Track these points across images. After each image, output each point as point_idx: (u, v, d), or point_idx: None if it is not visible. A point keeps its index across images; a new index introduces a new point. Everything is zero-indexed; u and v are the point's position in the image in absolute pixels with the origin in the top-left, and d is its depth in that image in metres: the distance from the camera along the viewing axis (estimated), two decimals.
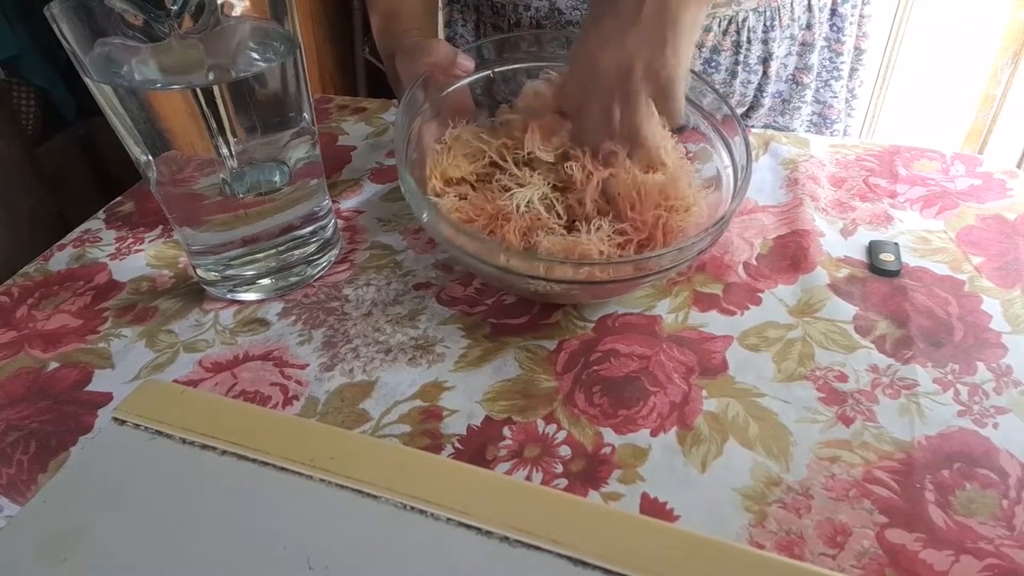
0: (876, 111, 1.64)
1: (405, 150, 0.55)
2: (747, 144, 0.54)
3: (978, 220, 0.64)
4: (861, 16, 0.78)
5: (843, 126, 0.84)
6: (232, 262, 0.58)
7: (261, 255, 0.59)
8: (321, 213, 0.61)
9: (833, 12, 0.76)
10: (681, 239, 0.53)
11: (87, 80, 0.49)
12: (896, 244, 0.61)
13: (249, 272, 0.59)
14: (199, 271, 0.60)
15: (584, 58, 0.50)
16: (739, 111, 0.79)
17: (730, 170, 0.57)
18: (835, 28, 0.76)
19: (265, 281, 0.59)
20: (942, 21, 1.50)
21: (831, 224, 0.64)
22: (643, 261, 0.49)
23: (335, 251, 0.64)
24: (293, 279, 0.60)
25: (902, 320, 0.54)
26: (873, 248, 0.61)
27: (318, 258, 0.62)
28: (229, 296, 0.60)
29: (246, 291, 0.59)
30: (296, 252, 0.60)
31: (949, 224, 0.63)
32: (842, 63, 0.78)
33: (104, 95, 0.49)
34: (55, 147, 1.58)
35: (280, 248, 0.59)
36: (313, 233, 0.60)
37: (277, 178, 0.56)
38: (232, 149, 0.52)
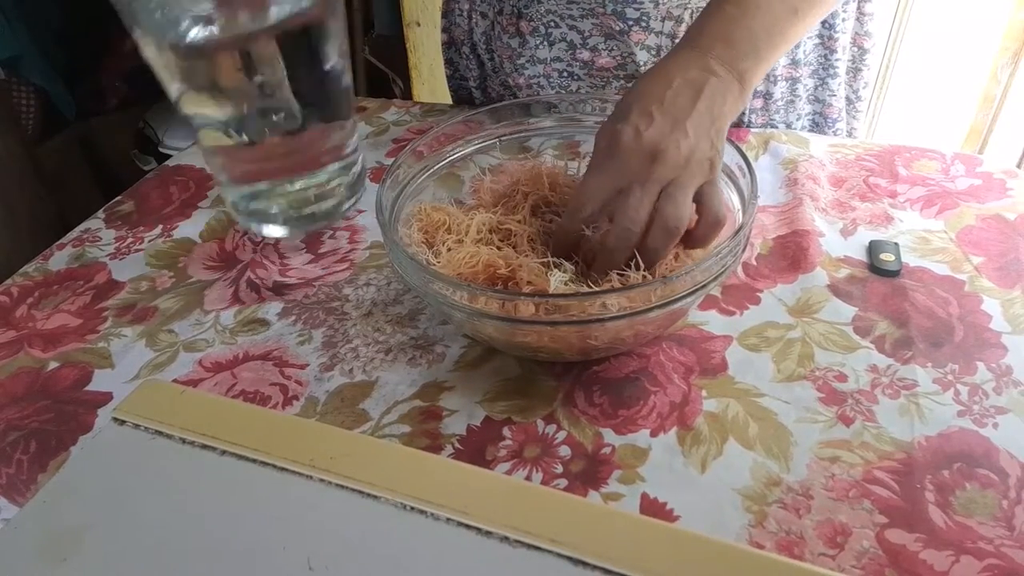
0: (876, 111, 1.64)
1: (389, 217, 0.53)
2: (745, 159, 0.53)
3: (978, 220, 0.63)
4: (861, 13, 0.77)
5: (846, 126, 0.83)
6: (256, 197, 0.58)
7: (287, 189, 0.58)
8: (348, 151, 0.60)
9: None
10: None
11: (127, 19, 0.48)
12: (896, 244, 0.61)
13: (274, 209, 0.58)
14: (229, 200, 0.60)
15: (640, 142, 0.47)
16: None
17: (726, 178, 0.56)
18: (826, 24, 0.75)
19: (288, 215, 0.59)
20: (942, 21, 1.50)
21: (831, 224, 0.64)
22: (660, 287, 0.45)
23: (360, 191, 0.63)
24: (319, 218, 0.60)
25: (902, 320, 0.54)
26: (873, 248, 0.61)
27: (343, 198, 0.61)
28: (255, 228, 0.59)
29: (270, 226, 0.59)
30: (324, 187, 0.59)
31: (949, 224, 0.63)
32: (837, 60, 0.77)
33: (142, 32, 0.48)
34: (55, 147, 1.58)
35: (305, 184, 0.58)
36: (339, 171, 0.60)
37: (300, 116, 0.55)
38: (263, 84, 0.51)
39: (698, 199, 0.49)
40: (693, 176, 0.48)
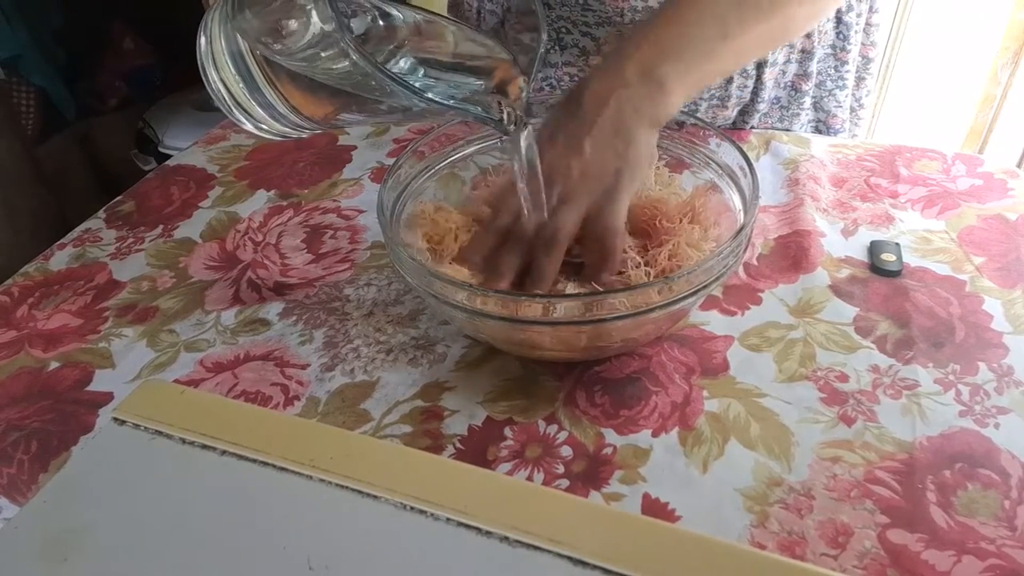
0: (876, 111, 1.64)
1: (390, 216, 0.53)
2: (746, 158, 0.53)
3: (979, 220, 0.63)
4: (868, 24, 0.77)
5: (848, 135, 0.83)
6: None
7: None
8: None
9: (839, 20, 0.75)
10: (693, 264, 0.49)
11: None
12: (897, 244, 0.61)
13: None
14: None
15: (542, 163, 0.50)
16: (734, 111, 0.79)
17: (727, 178, 0.56)
18: (841, 36, 0.75)
19: None
20: (942, 21, 1.50)
21: (832, 224, 0.64)
22: (664, 284, 0.45)
23: None
24: None
25: (903, 320, 0.54)
26: (874, 248, 0.61)
27: None
28: None
29: None
30: None
31: (950, 224, 0.63)
32: (847, 72, 0.77)
33: None
34: (55, 147, 1.58)
35: None
36: None
37: None
38: None
39: (589, 213, 0.51)
40: (587, 190, 0.50)
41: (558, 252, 0.50)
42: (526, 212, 0.51)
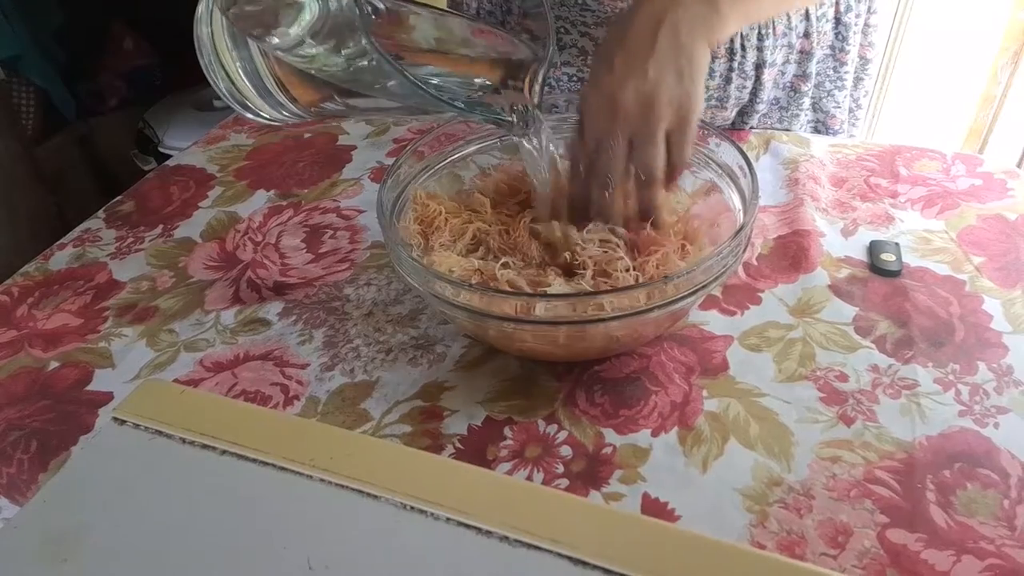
0: (876, 111, 1.64)
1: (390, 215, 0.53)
2: (745, 157, 0.53)
3: (979, 220, 0.63)
4: (867, 25, 0.77)
5: (847, 136, 0.83)
6: None
7: None
8: None
9: (838, 21, 0.75)
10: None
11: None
12: (897, 244, 0.61)
13: None
14: None
15: (601, 97, 0.50)
16: (733, 112, 0.79)
17: (727, 178, 0.56)
18: (840, 37, 0.75)
19: None
20: (942, 21, 1.50)
21: (832, 224, 0.64)
22: (659, 286, 0.45)
23: None
24: None
25: (903, 320, 0.54)
26: (874, 248, 0.61)
27: None
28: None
29: None
30: None
31: (950, 224, 0.63)
32: (846, 72, 0.77)
33: None
34: (55, 147, 1.58)
35: None
36: None
37: None
38: None
39: (667, 142, 0.50)
40: (659, 122, 0.49)
41: (655, 186, 0.51)
42: (534, 201, 0.51)
